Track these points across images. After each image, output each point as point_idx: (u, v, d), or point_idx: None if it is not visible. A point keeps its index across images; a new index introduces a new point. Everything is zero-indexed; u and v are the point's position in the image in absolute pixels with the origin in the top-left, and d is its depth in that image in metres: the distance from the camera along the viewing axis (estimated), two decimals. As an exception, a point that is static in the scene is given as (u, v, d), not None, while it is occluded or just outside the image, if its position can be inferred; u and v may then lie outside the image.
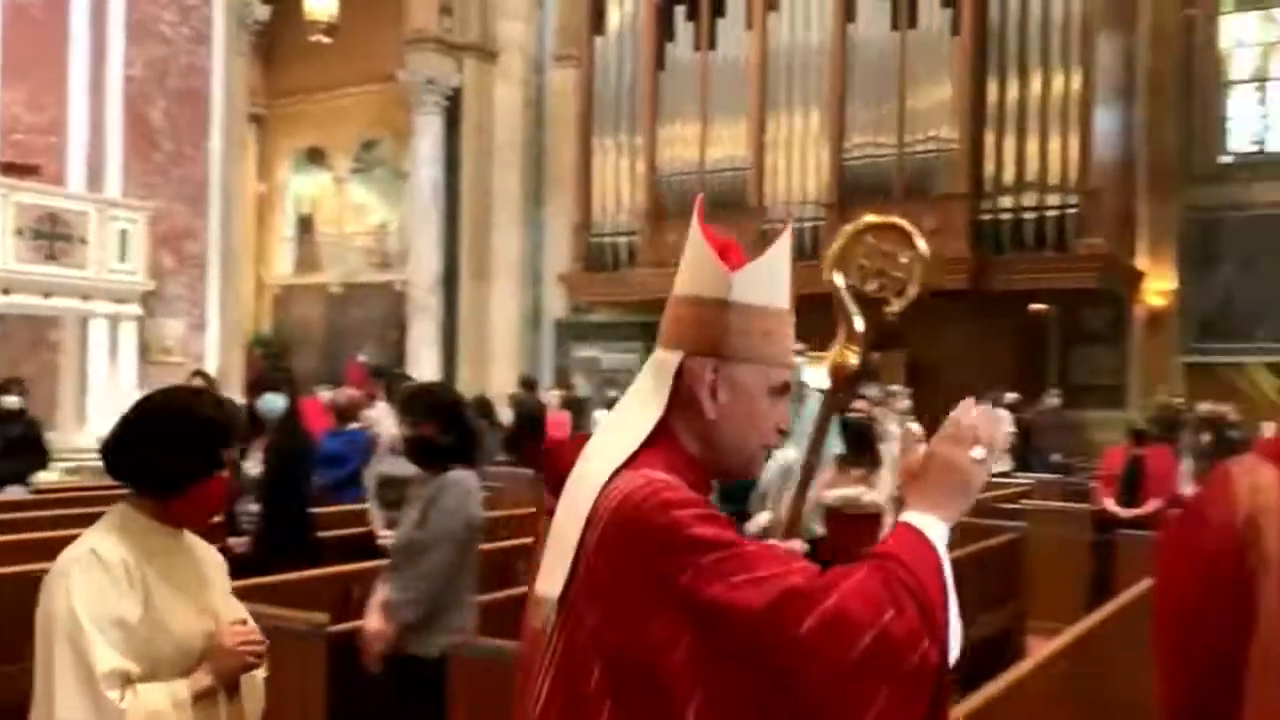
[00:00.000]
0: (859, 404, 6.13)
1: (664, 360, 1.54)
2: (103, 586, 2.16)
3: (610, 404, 14.47)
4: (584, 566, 1.38)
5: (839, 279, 1.87)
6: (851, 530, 6.02)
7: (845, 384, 1.90)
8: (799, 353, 5.71)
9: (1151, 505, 7.73)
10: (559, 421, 14.16)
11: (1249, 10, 15.53)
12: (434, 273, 17.95)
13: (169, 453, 2.27)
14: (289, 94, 21.30)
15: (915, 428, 1.82)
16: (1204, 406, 11.15)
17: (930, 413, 9.62)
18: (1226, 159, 15.46)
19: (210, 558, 2.45)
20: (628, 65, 15.55)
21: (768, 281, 1.57)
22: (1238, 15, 15.51)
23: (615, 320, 17.24)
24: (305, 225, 22.27)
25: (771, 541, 1.75)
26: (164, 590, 2.24)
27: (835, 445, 5.77)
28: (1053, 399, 11.68)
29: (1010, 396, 11.36)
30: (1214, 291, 15.26)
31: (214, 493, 2.37)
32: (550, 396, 14.49)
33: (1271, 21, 15.42)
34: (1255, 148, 15.46)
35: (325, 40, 17.52)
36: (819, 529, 5.86)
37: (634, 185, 15.50)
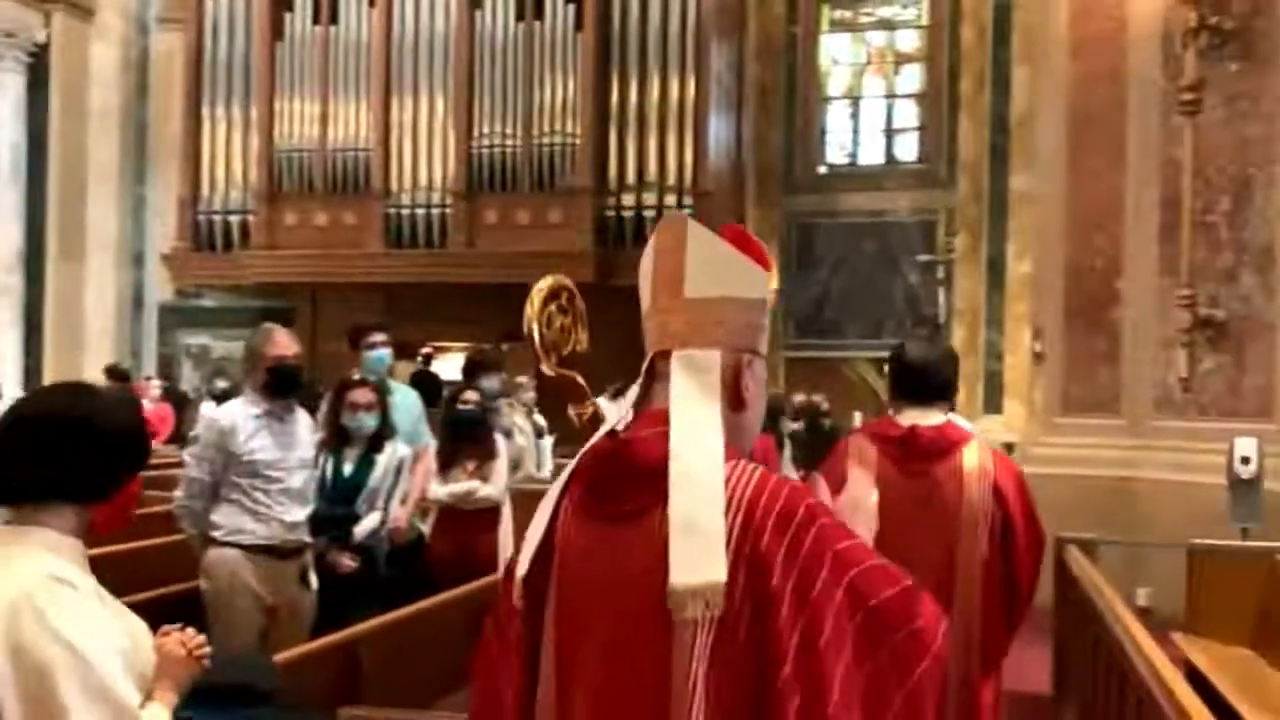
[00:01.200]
0: (469, 395, 5.80)
1: (702, 358, 1.56)
2: (90, 614, 1.82)
3: (219, 395, 13.37)
4: (734, 554, 1.43)
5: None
6: (468, 526, 5.72)
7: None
8: (381, 342, 5.19)
9: (758, 492, 7.96)
10: (161, 415, 12.89)
11: (843, 31, 16.76)
12: (14, 249, 15.77)
13: (101, 454, 1.95)
14: None
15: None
16: (799, 397, 11.83)
17: (556, 403, 9.33)
18: (823, 169, 16.60)
19: None
20: (241, 33, 14.42)
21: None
22: (834, 35, 16.69)
23: (228, 305, 15.98)
24: None
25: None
26: (117, 609, 1.96)
27: (427, 437, 5.42)
28: (667, 391, 11.95)
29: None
30: (811, 292, 16.34)
31: (136, 492, 2.08)
32: (151, 388, 13.17)
33: (862, 43, 16.72)
34: (848, 160, 16.71)
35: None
36: (424, 527, 5.48)
37: (247, 161, 14.40)
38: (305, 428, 4.45)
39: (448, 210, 13.54)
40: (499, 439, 5.89)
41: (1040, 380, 9.40)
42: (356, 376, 5.17)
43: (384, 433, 5.09)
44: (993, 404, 14.66)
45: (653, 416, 1.55)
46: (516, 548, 1.64)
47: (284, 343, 4.27)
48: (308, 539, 4.42)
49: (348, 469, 5.05)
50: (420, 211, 13.69)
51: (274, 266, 14.13)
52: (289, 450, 4.26)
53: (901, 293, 15.71)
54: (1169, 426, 8.22)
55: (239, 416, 4.20)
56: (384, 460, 5.07)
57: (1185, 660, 5.27)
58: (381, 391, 5.11)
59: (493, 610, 1.64)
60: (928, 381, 3.06)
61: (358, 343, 5.24)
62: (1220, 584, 5.74)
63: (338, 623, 4.20)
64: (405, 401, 5.27)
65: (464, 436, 5.78)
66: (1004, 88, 14.76)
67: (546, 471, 8.67)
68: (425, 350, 13.87)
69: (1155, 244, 8.32)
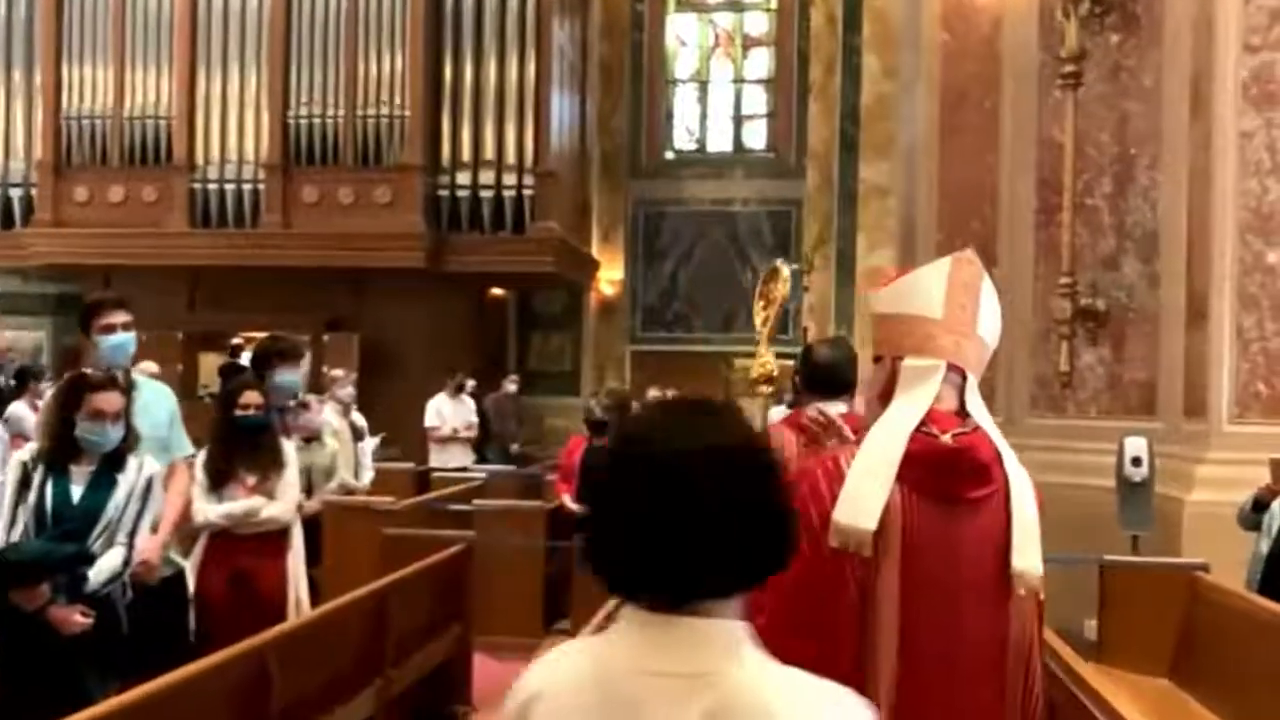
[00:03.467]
0: (249, 396, 4.53)
1: (976, 384, 1.97)
2: None
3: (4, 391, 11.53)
4: None
5: None
6: (247, 554, 4.49)
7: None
8: (122, 324, 3.87)
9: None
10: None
11: (689, 11, 15.86)
12: None
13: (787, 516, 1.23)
14: None
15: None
16: (653, 392, 10.88)
17: (388, 397, 7.91)
18: (670, 155, 15.69)
19: None
20: (23, -10, 12.61)
21: None
22: (681, 14, 15.77)
23: (12, 290, 14.05)
24: None
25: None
26: None
27: (187, 445, 4.15)
28: (509, 385, 10.80)
29: (472, 384, 10.29)
30: (658, 282, 15.44)
31: None
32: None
33: (709, 25, 15.85)
34: (696, 146, 15.84)
35: None
36: (181, 560, 4.20)
37: (30, 129, 12.57)
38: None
39: (260, 186, 12.08)
40: (287, 447, 4.65)
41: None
42: (93, 370, 3.86)
43: (127, 444, 3.80)
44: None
45: (945, 416, 1.90)
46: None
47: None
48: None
49: (77, 493, 3.73)
50: (230, 187, 12.16)
51: (62, 247, 12.37)
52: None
53: (751, 284, 14.90)
54: (1046, 424, 7.54)
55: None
56: (127, 480, 3.78)
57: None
58: (127, 391, 3.82)
59: (793, 597, 1.75)
60: (835, 379, 3.26)
61: (90, 325, 3.92)
62: (1135, 605, 4.97)
63: (63, 705, 2.92)
64: (156, 401, 3.99)
65: (243, 444, 4.53)
66: (854, 75, 14.10)
67: (366, 479, 7.41)
68: (235, 341, 12.38)
69: (1032, 229, 7.62)
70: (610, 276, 14.99)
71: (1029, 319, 7.64)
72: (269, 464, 4.55)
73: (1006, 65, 7.77)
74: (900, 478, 1.81)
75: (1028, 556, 1.82)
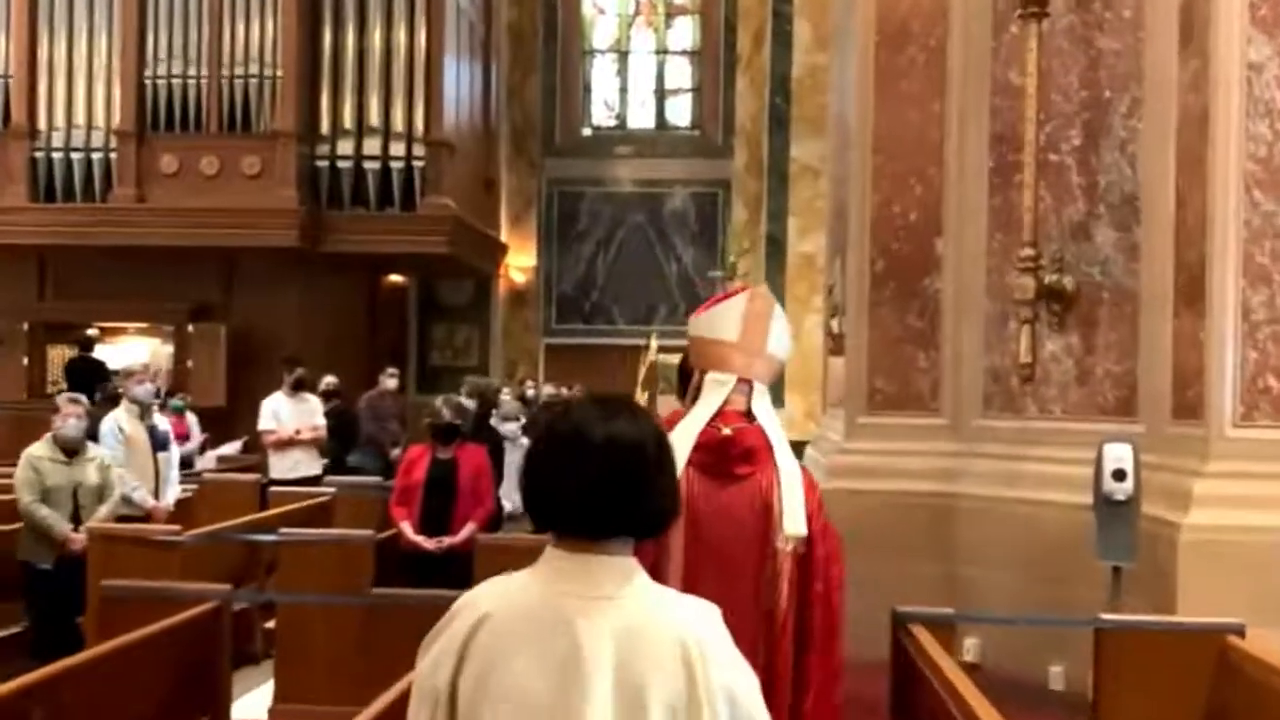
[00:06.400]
0: None
1: (764, 390, 2.58)
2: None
3: None
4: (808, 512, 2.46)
5: None
6: None
7: None
8: None
9: (466, 531, 5.33)
10: None
11: (609, -24, 14.37)
12: None
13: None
14: None
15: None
16: (549, 390, 9.37)
17: (261, 394, 5.93)
18: (588, 131, 14.19)
19: None
20: None
21: None
22: (599, -21, 14.28)
23: None
24: None
25: None
26: None
27: None
28: (388, 381, 9.18)
29: (329, 381, 8.66)
30: (574, 269, 13.94)
31: None
32: None
33: (629, -10, 14.36)
34: (615, 122, 14.34)
35: None
36: None
37: None
38: None
39: (112, 154, 10.42)
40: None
41: (839, 370, 7.23)
42: None
43: None
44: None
45: (734, 415, 2.50)
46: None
47: None
48: None
49: None
50: (77, 156, 10.47)
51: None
52: None
53: (675, 273, 13.46)
54: (1001, 427, 6.12)
55: None
56: None
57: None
58: None
59: None
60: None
61: None
62: (1143, 677, 3.53)
63: None
64: None
65: None
66: (785, 45, 12.68)
67: (171, 497, 5.82)
68: (89, 332, 10.67)
69: (985, 192, 6.19)
70: (521, 263, 13.43)
71: (982, 301, 6.21)
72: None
73: (955, -5, 6.34)
74: (690, 461, 2.42)
75: (794, 522, 2.43)
